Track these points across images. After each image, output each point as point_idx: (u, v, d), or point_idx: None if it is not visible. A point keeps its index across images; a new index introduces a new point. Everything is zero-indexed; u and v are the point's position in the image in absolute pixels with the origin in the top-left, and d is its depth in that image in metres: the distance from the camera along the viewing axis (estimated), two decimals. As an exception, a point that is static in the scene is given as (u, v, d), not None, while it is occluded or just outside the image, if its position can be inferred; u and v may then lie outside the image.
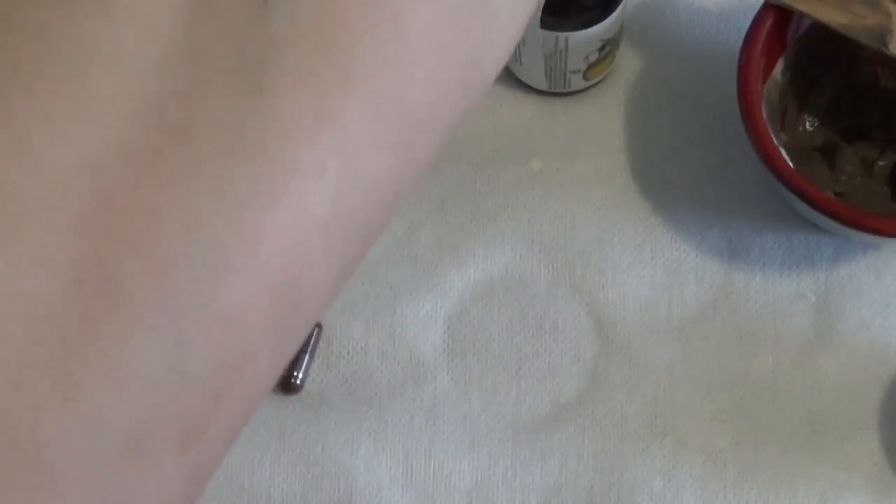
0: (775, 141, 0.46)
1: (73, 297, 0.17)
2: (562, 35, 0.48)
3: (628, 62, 0.54)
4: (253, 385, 0.20)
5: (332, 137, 0.19)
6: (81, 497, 0.18)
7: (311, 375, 0.50)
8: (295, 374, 0.50)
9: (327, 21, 0.19)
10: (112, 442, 0.18)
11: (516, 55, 0.51)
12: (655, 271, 0.51)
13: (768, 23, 0.46)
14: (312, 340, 0.50)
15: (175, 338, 0.18)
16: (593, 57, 0.50)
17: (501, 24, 0.22)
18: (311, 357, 0.50)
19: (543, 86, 0.53)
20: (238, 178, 0.18)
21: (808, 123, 0.50)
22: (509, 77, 0.54)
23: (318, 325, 0.51)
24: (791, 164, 0.46)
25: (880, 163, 0.49)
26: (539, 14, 0.47)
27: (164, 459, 0.19)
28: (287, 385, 0.50)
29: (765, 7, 0.46)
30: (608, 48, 0.51)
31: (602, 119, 0.53)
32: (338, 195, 0.20)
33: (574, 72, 0.51)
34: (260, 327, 0.19)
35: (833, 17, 0.45)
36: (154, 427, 0.18)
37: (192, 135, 0.18)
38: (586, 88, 0.53)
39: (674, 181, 0.52)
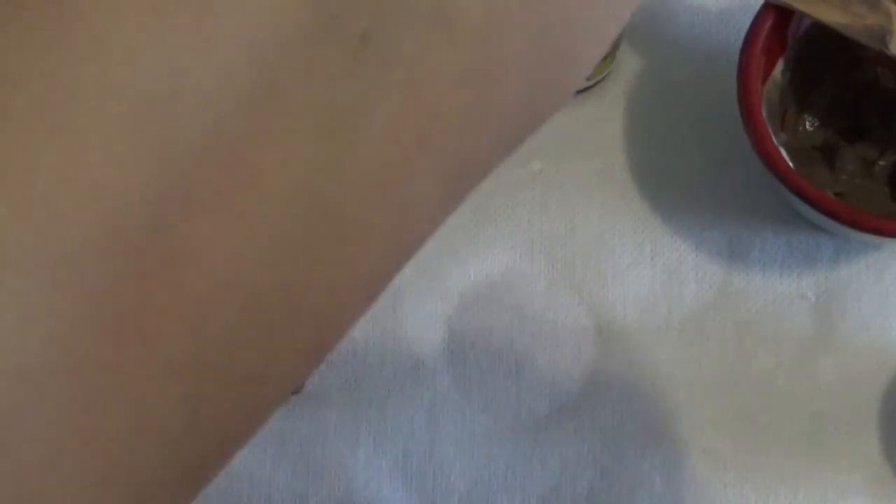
0: (775, 141, 0.46)
1: None
2: (562, 35, 0.48)
3: (628, 62, 0.54)
4: None
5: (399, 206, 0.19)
6: None
7: (311, 375, 0.50)
8: (295, 374, 0.49)
9: (416, 69, 0.18)
10: None
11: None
12: (655, 271, 0.51)
13: (768, 23, 0.46)
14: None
15: None
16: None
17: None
18: (311, 357, 0.50)
19: (543, 86, 0.53)
20: (298, 235, 0.18)
21: (808, 123, 0.50)
22: (509, 77, 0.54)
23: (318, 326, 0.50)
24: (791, 164, 0.46)
25: (880, 163, 0.49)
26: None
27: None
28: (287, 385, 0.50)
29: (765, 7, 0.46)
30: (609, 48, 0.51)
31: (602, 119, 0.53)
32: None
33: (574, 72, 0.51)
34: None
35: (833, 17, 0.45)
36: None
37: (256, 182, 0.17)
38: (586, 88, 0.53)
39: (674, 181, 0.52)
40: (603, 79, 0.53)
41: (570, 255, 0.51)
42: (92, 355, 0.17)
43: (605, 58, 0.51)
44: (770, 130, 0.46)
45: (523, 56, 0.20)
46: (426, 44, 0.18)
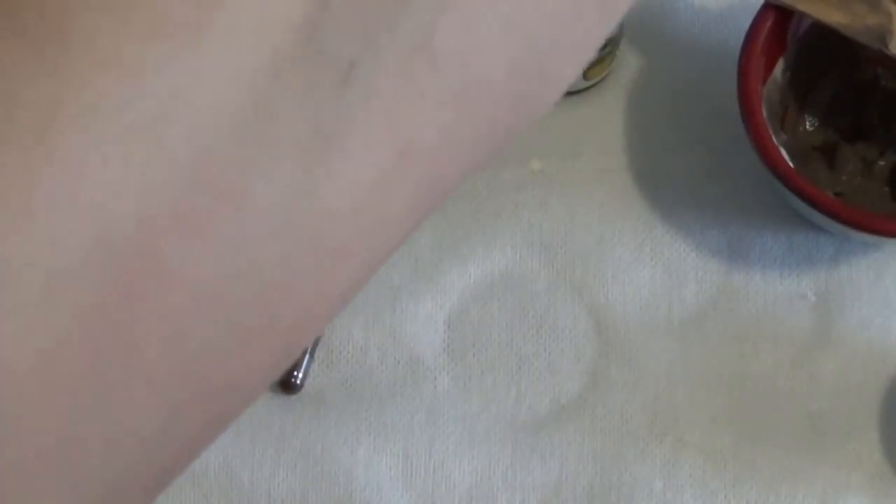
0: (775, 141, 0.46)
1: None
2: (562, 35, 0.48)
3: (628, 62, 0.54)
4: None
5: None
6: None
7: (311, 375, 0.50)
8: (295, 374, 0.50)
9: (400, 93, 0.19)
10: None
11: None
12: (655, 271, 0.51)
13: (768, 23, 0.46)
14: (312, 340, 0.50)
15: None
16: (593, 56, 0.50)
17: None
18: (311, 357, 0.50)
19: (543, 86, 0.53)
20: (279, 256, 0.19)
21: (808, 123, 0.50)
22: (509, 77, 0.54)
23: (318, 325, 0.50)
24: (791, 164, 0.46)
25: (880, 163, 0.49)
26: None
27: None
28: (287, 385, 0.50)
29: (765, 7, 0.46)
30: (608, 48, 0.51)
31: (602, 119, 0.53)
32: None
33: (574, 72, 0.51)
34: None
35: (833, 17, 0.45)
36: None
37: (241, 206, 0.18)
38: (586, 88, 0.53)
39: (674, 181, 0.52)
40: (603, 79, 0.53)
41: (570, 255, 0.51)
42: (79, 370, 0.17)
43: (605, 58, 0.51)
44: (770, 130, 0.46)
45: (501, 78, 0.20)
46: (409, 69, 0.19)
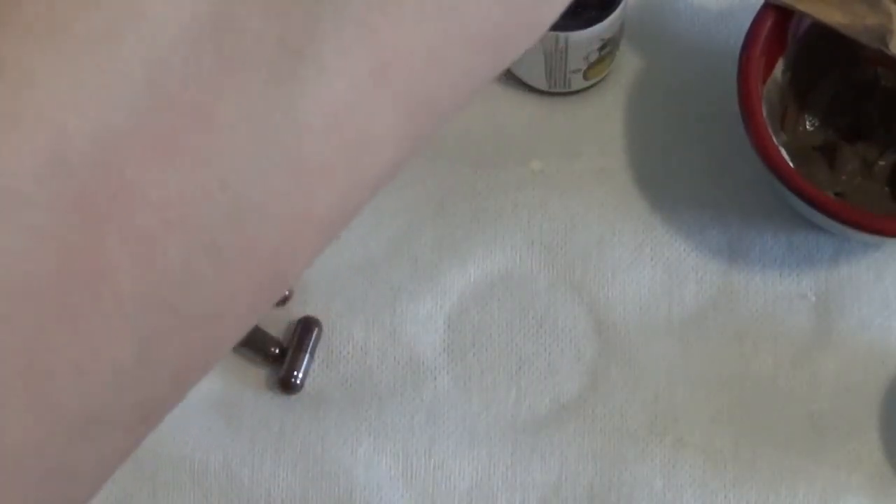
0: (775, 141, 0.46)
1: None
2: (562, 35, 0.48)
3: (628, 62, 0.54)
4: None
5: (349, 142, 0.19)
6: None
7: (311, 375, 0.50)
8: (295, 374, 0.50)
9: (374, 5, 0.18)
10: None
11: (516, 55, 0.51)
12: (655, 271, 0.51)
13: (768, 23, 0.46)
14: (312, 340, 0.50)
15: None
16: (593, 56, 0.50)
17: None
18: (311, 357, 0.50)
19: (543, 86, 0.53)
20: (253, 175, 0.18)
21: (808, 123, 0.50)
22: (509, 77, 0.54)
23: (318, 325, 0.51)
24: (791, 164, 0.46)
25: (880, 163, 0.49)
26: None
27: None
28: (287, 385, 0.50)
29: (765, 7, 0.46)
30: (608, 48, 0.51)
31: (602, 119, 0.53)
32: (346, 197, 0.20)
33: (574, 71, 0.51)
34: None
35: (833, 16, 0.45)
36: None
37: (208, 122, 0.17)
38: (586, 88, 0.53)
39: (674, 181, 0.52)
40: (603, 79, 0.53)
41: (570, 255, 0.51)
42: (42, 288, 0.17)
43: (605, 58, 0.51)
44: (770, 130, 0.46)
45: None
46: None
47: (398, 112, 0.19)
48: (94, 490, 0.20)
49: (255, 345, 0.50)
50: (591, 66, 0.51)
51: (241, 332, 0.20)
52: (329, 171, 0.19)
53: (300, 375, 0.50)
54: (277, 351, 0.50)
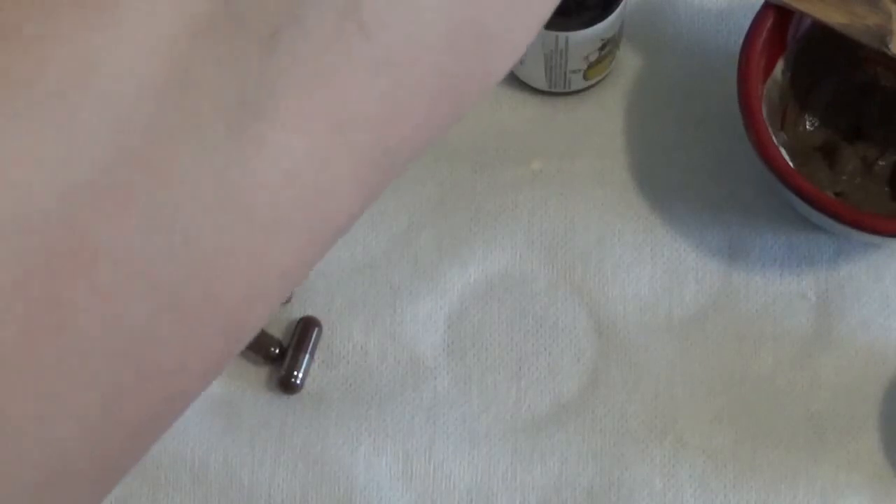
0: (775, 141, 0.46)
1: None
2: (562, 35, 0.48)
3: (628, 62, 0.54)
4: None
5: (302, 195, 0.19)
6: None
7: (311, 375, 0.50)
8: (295, 373, 0.50)
9: (328, 60, 0.19)
10: None
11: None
12: (655, 271, 0.51)
13: (768, 23, 0.46)
14: (312, 340, 0.50)
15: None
16: (593, 57, 0.50)
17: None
18: (311, 357, 0.50)
19: (543, 86, 0.53)
20: (215, 229, 0.18)
21: (808, 123, 0.50)
22: (509, 77, 0.54)
23: (318, 325, 0.51)
24: (791, 164, 0.46)
25: (880, 163, 0.49)
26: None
27: None
28: (287, 385, 0.50)
29: (765, 7, 0.46)
30: (608, 48, 0.51)
31: (602, 119, 0.53)
32: (305, 249, 0.20)
33: (574, 71, 0.51)
34: None
35: (833, 17, 0.45)
36: None
37: (169, 178, 0.17)
38: (586, 88, 0.53)
39: (674, 181, 0.52)
40: (603, 79, 0.53)
41: (570, 255, 0.51)
42: (7, 344, 0.17)
43: (605, 58, 0.51)
44: (770, 130, 0.46)
45: (440, 42, 0.20)
46: (337, 36, 0.18)
47: (355, 163, 0.20)
48: None
49: (255, 345, 0.50)
50: (591, 66, 0.51)
51: (203, 386, 0.20)
52: (287, 223, 0.19)
53: (300, 375, 0.50)
54: (277, 351, 0.50)
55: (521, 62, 0.52)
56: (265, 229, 0.19)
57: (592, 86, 0.53)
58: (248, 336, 0.21)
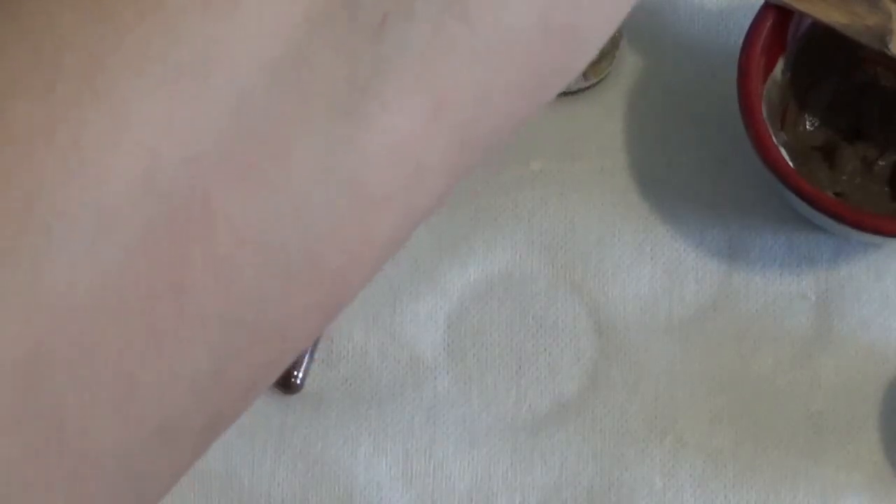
0: (775, 141, 0.46)
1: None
2: (562, 35, 0.48)
3: (628, 62, 0.54)
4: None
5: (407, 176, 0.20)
6: None
7: (311, 375, 0.50)
8: (295, 373, 0.50)
9: (433, 45, 0.20)
10: None
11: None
12: (655, 271, 0.51)
13: (768, 23, 0.46)
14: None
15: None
16: (593, 56, 0.50)
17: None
18: (311, 357, 0.50)
19: (543, 86, 0.53)
20: (322, 202, 0.19)
21: (808, 123, 0.50)
22: (509, 77, 0.54)
23: (318, 325, 0.50)
24: (791, 164, 0.46)
25: (880, 163, 0.49)
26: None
27: None
28: (287, 385, 0.50)
29: (765, 7, 0.46)
30: (608, 48, 0.51)
31: (602, 119, 0.53)
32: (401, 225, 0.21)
33: (574, 72, 0.51)
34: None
35: (833, 17, 0.45)
36: None
37: (283, 152, 0.19)
38: (586, 88, 0.53)
39: (674, 181, 0.52)
40: (603, 79, 0.53)
41: (570, 255, 0.51)
42: (129, 308, 0.18)
43: (605, 58, 0.51)
44: (770, 130, 0.46)
45: (534, 33, 0.21)
46: (441, 23, 0.19)
47: (450, 146, 0.21)
48: (163, 494, 0.21)
49: (255, 345, 0.50)
50: (591, 66, 0.51)
51: (303, 346, 0.21)
52: (389, 199, 0.20)
53: (300, 375, 0.50)
54: (277, 351, 0.50)
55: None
56: (369, 203, 0.20)
57: (592, 86, 0.53)
58: (341, 308, 0.22)
